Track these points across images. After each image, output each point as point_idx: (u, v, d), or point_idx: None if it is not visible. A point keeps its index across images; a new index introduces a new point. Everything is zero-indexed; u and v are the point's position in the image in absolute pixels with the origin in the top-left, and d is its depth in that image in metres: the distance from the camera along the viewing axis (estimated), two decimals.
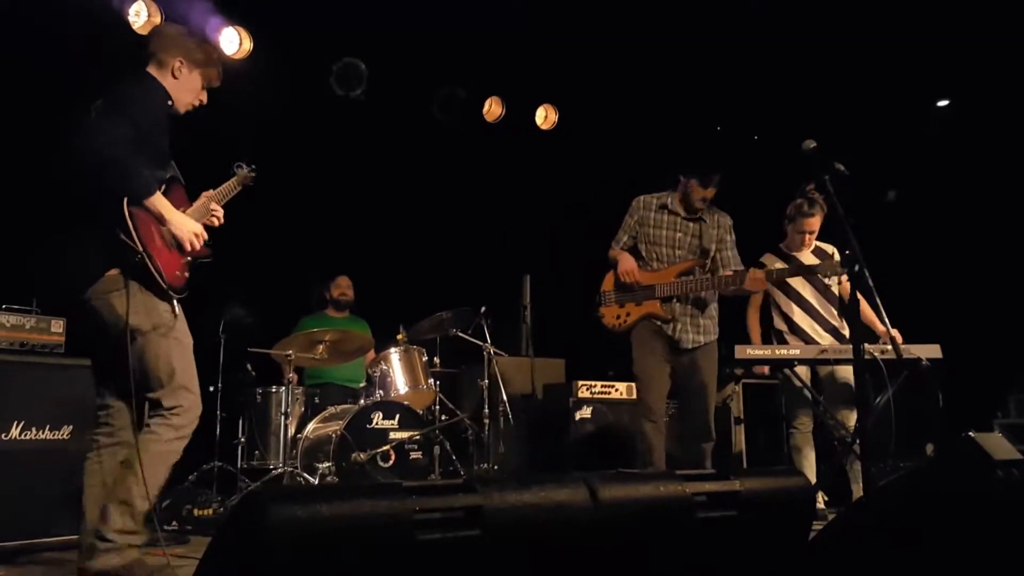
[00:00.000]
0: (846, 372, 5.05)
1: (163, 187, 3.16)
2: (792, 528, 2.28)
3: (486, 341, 5.95)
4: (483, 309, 5.90)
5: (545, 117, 7.73)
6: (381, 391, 5.47)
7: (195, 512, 4.76)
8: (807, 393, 5.07)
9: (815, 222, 5.24)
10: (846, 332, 5.21)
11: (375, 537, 1.61)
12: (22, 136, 5.19)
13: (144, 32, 5.66)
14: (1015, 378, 7.09)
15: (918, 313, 5.37)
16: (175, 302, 3.17)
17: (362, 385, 5.70)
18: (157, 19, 5.64)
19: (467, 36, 6.43)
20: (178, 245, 3.16)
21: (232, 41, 6.07)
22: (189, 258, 3.24)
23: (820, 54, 6.71)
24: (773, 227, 5.52)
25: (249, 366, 5.58)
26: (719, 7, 6.36)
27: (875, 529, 2.09)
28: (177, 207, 3.19)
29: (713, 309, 4.73)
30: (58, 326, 4.26)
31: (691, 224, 4.71)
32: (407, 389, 5.53)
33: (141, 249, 2.99)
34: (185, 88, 3.37)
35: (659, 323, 4.63)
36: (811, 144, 3.81)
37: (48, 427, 4.06)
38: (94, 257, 3.05)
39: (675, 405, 5.25)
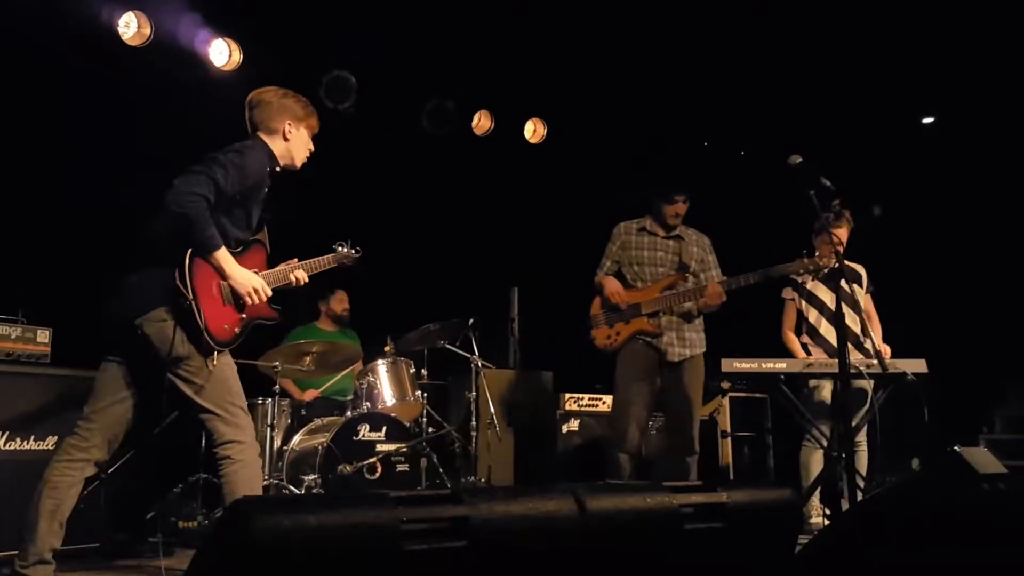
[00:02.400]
0: (864, 383, 5.04)
1: (240, 248, 3.35)
2: (779, 540, 2.28)
3: (474, 353, 5.94)
4: (471, 321, 5.89)
5: (534, 131, 7.76)
6: (368, 403, 5.45)
7: (180, 524, 4.73)
8: (800, 407, 5.09)
9: (842, 233, 5.28)
10: (870, 346, 5.22)
11: (361, 547, 1.60)
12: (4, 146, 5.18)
13: (134, 43, 5.66)
14: (1002, 394, 7.12)
15: (905, 328, 5.39)
16: (215, 353, 3.27)
17: (349, 397, 5.68)
18: (147, 30, 5.64)
19: (457, 49, 6.45)
20: (236, 300, 3.29)
21: (222, 53, 6.08)
22: (245, 315, 3.36)
23: (808, 68, 6.76)
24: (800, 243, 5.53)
25: None
26: (707, 23, 6.40)
27: (860, 542, 2.10)
28: (250, 268, 3.35)
29: (699, 323, 4.85)
30: (44, 336, 4.24)
31: (670, 242, 4.89)
32: (394, 401, 5.51)
33: (191, 297, 3.13)
34: (298, 145, 3.60)
35: (648, 338, 4.71)
36: (797, 159, 3.85)
37: (33, 437, 4.04)
38: (152, 292, 3.19)
39: (661, 418, 5.25)
